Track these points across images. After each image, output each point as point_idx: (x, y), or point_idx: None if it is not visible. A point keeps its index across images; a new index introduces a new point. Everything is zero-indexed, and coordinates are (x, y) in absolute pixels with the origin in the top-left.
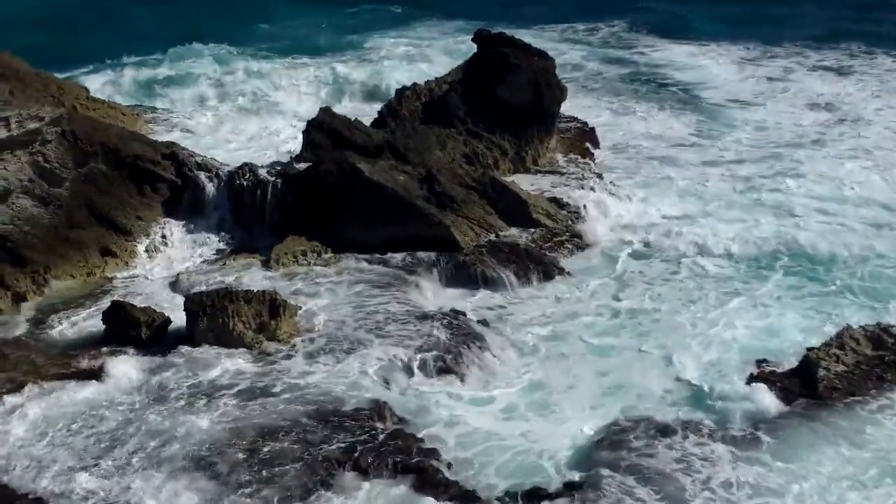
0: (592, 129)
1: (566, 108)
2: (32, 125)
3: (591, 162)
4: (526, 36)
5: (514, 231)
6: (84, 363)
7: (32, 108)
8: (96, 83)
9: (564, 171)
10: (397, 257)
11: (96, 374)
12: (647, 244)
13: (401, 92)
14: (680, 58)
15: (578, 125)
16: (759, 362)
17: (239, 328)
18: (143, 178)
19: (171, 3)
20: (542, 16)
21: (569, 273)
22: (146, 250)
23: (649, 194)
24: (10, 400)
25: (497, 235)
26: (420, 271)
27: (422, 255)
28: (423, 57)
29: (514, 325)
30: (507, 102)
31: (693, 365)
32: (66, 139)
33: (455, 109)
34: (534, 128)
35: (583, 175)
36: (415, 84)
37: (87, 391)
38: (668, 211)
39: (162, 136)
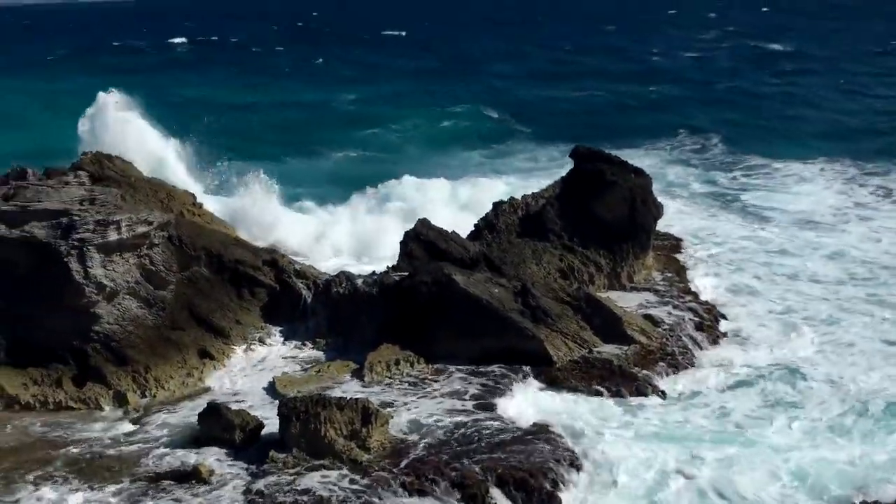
0: (680, 244)
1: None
2: (141, 229)
3: (687, 281)
4: (627, 151)
5: (607, 347)
6: (179, 464)
7: (142, 213)
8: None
9: (660, 288)
10: (490, 370)
11: (192, 476)
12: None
13: (497, 205)
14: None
15: (674, 242)
16: None
17: (330, 435)
18: (243, 283)
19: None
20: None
21: (662, 392)
22: (245, 352)
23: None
24: (110, 499)
25: (590, 351)
26: (512, 385)
27: (514, 368)
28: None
29: (606, 442)
30: (602, 218)
31: None
32: (172, 243)
33: (551, 224)
34: (629, 244)
35: (679, 294)
36: (511, 198)
37: (182, 493)
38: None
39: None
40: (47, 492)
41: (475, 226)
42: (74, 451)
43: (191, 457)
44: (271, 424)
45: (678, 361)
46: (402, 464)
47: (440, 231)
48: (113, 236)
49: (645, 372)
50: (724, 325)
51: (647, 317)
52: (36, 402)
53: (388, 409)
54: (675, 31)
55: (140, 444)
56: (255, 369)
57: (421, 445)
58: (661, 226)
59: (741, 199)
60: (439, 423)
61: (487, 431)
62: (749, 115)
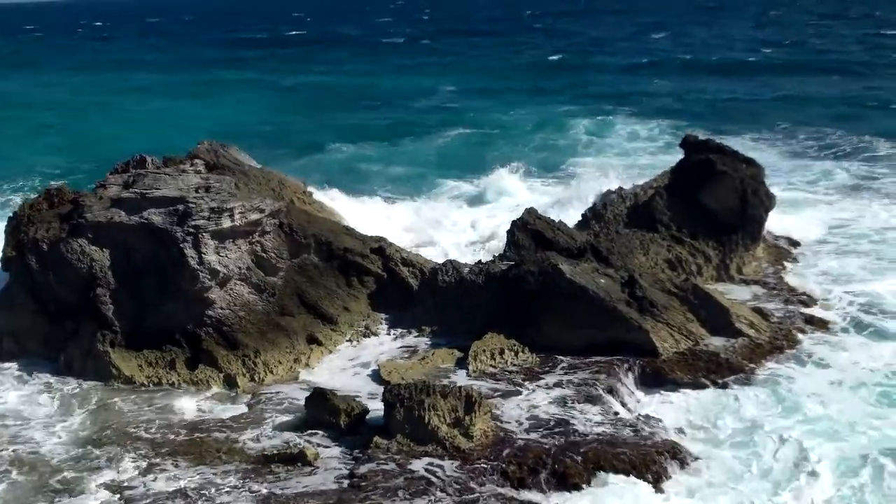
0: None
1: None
2: (254, 216)
3: (798, 274)
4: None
5: (715, 340)
6: (286, 446)
7: (255, 201)
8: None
9: (770, 281)
10: (595, 360)
11: (298, 458)
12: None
13: (606, 195)
14: None
15: (786, 236)
16: None
17: (434, 422)
18: (351, 271)
19: None
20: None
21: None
22: (350, 340)
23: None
24: (221, 480)
25: (697, 343)
26: (617, 376)
27: (620, 359)
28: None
29: (709, 434)
30: (712, 209)
31: None
32: (283, 231)
33: (659, 214)
34: (739, 235)
35: (789, 287)
36: (620, 188)
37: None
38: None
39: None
40: (157, 469)
41: (582, 215)
42: (185, 431)
43: (297, 440)
44: (375, 410)
45: (788, 356)
46: (505, 453)
47: (547, 220)
48: (226, 223)
49: (753, 366)
50: (835, 321)
51: (757, 310)
52: (150, 383)
53: (492, 398)
54: None
55: (248, 427)
56: (361, 356)
57: (523, 435)
58: (773, 217)
59: (868, 187)
60: (542, 413)
61: (591, 422)
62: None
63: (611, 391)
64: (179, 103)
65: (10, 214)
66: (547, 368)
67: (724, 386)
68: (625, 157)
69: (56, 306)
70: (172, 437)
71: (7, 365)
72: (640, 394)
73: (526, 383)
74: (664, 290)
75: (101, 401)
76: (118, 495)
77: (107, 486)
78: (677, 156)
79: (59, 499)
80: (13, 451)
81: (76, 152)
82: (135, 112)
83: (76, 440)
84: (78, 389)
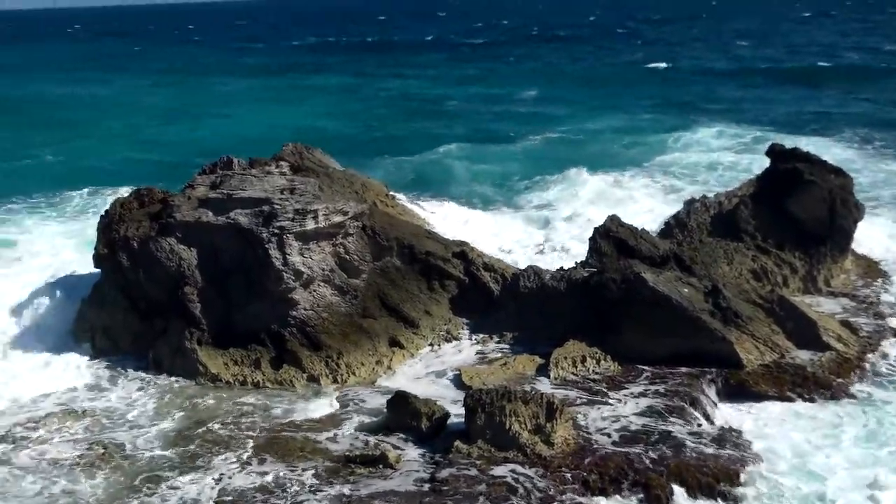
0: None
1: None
2: (337, 219)
3: (889, 287)
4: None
5: (801, 353)
6: (367, 447)
7: (338, 203)
8: None
9: (860, 294)
10: (677, 370)
11: (379, 460)
12: None
13: (690, 203)
14: None
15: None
16: None
17: (515, 428)
18: (433, 275)
19: None
20: None
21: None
22: (431, 344)
23: None
24: (304, 478)
25: (782, 356)
26: (700, 387)
27: (703, 369)
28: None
29: (794, 450)
30: (799, 219)
31: None
32: (366, 233)
33: (744, 224)
34: (827, 247)
35: (879, 301)
36: (704, 196)
37: (370, 476)
38: None
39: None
40: (244, 466)
41: (665, 223)
42: (269, 429)
43: (379, 442)
44: (456, 415)
45: (877, 371)
46: (586, 461)
47: (630, 228)
48: (310, 225)
49: (840, 380)
50: None
51: (845, 323)
52: (235, 382)
53: (573, 406)
54: None
55: (330, 427)
56: (442, 360)
57: (604, 444)
58: (862, 229)
59: None
60: (624, 422)
61: (673, 433)
62: None
63: (694, 403)
64: (265, 107)
65: (103, 213)
66: (630, 378)
67: (811, 400)
68: (709, 165)
69: (146, 304)
70: (257, 434)
71: (99, 360)
72: (723, 406)
73: (609, 392)
74: (749, 301)
75: (189, 398)
76: (206, 491)
77: (194, 482)
78: (763, 164)
79: (149, 494)
80: (105, 445)
81: (166, 152)
82: (221, 115)
83: (165, 436)
84: (167, 386)
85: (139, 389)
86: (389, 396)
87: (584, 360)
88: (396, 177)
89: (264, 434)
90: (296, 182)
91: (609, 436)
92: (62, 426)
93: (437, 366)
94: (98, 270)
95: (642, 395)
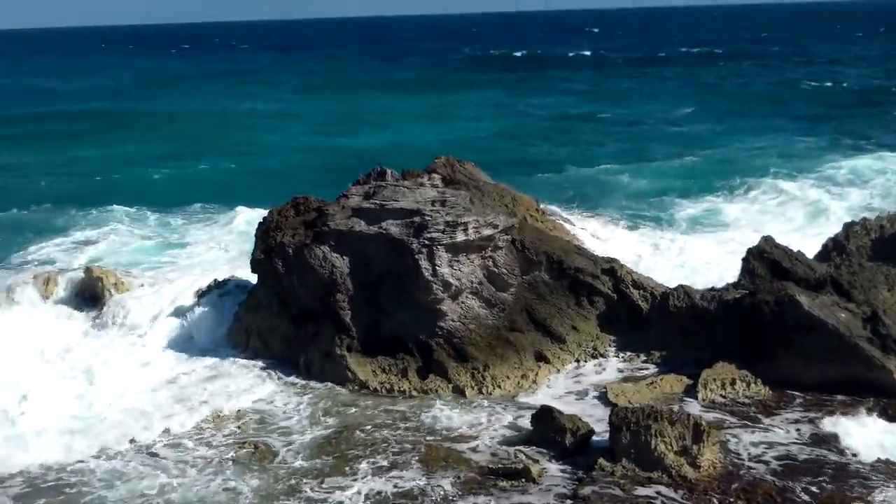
0: None
1: None
2: (487, 231)
3: None
4: None
5: None
6: (510, 461)
7: (488, 216)
8: None
9: None
10: (832, 397)
11: (522, 474)
12: None
13: (849, 226)
14: None
15: None
16: None
17: (661, 449)
18: (581, 290)
19: None
20: None
21: None
22: (577, 360)
23: None
24: (447, 488)
25: None
26: (857, 416)
27: (859, 398)
28: None
29: None
30: None
31: None
32: (515, 247)
33: None
34: None
35: None
36: (864, 219)
37: (512, 489)
38: None
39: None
40: (388, 473)
41: (823, 246)
42: (415, 437)
43: (521, 456)
44: (600, 433)
45: None
46: (733, 486)
47: (785, 249)
48: (460, 237)
49: None
50: None
51: None
52: (382, 389)
53: (722, 429)
54: None
55: (474, 439)
56: (589, 376)
57: (753, 469)
58: None
59: None
60: (774, 449)
61: (825, 462)
62: None
63: (850, 432)
64: (418, 121)
65: (261, 220)
66: (781, 403)
67: None
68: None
69: (298, 309)
70: (402, 442)
71: (253, 362)
72: (881, 437)
73: (760, 416)
74: None
75: (338, 403)
76: (351, 495)
77: (339, 487)
78: None
79: (299, 496)
80: (257, 448)
81: (322, 163)
82: (375, 129)
83: (315, 440)
84: (317, 391)
85: (289, 392)
86: (532, 410)
87: (733, 383)
88: (546, 192)
89: (409, 441)
90: (447, 194)
91: (758, 461)
92: (218, 425)
93: (583, 382)
94: (254, 276)
95: (796, 421)
